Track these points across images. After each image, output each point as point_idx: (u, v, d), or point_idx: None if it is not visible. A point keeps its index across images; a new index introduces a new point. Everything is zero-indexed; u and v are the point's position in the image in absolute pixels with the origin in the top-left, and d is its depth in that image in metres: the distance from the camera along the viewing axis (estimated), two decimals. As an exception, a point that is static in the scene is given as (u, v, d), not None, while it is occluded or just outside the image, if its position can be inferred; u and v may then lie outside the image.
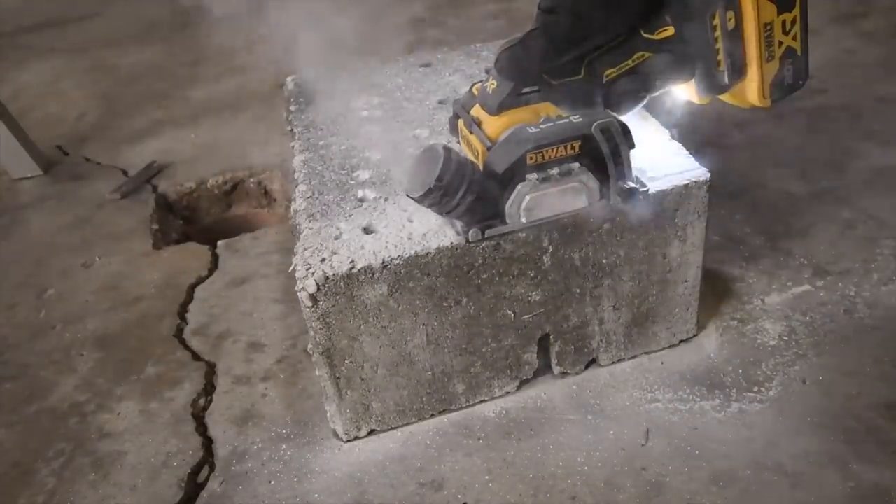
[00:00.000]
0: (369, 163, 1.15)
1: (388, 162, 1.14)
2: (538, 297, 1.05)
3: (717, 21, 0.94)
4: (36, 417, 1.23)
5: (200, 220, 1.88)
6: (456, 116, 1.04)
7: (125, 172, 1.95)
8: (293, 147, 1.24)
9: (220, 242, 1.60)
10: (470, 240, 0.94)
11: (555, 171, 0.90)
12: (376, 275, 0.95)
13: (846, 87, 1.89)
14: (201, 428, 1.16)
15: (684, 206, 1.05)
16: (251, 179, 1.87)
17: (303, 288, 0.93)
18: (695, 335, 1.21)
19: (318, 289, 0.93)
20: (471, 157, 0.99)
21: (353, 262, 0.94)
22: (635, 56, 0.96)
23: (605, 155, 0.92)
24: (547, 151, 0.89)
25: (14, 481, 1.12)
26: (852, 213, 1.45)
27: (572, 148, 0.90)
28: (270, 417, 1.16)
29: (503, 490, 1.01)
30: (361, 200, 1.07)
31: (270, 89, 2.24)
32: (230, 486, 1.06)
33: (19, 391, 1.29)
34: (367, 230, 1.00)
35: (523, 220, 0.93)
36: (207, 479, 1.08)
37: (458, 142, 1.06)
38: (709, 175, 1.04)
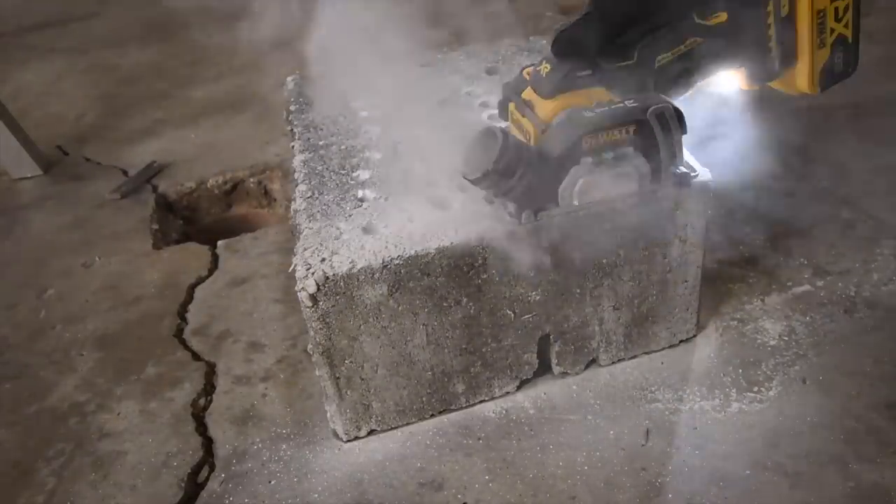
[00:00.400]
0: (369, 163, 1.15)
1: (388, 162, 1.14)
2: (538, 297, 1.05)
3: (770, 7, 0.94)
4: (36, 417, 1.23)
5: (200, 220, 1.88)
6: (506, 100, 1.04)
7: (125, 172, 1.95)
8: (293, 147, 1.24)
9: (220, 242, 1.60)
10: (523, 222, 0.95)
11: (609, 155, 0.91)
12: (376, 275, 0.95)
13: (846, 87, 1.88)
14: (201, 428, 1.16)
15: (684, 206, 1.05)
16: (251, 179, 1.87)
17: (303, 288, 0.93)
18: (695, 335, 1.21)
19: (318, 289, 0.93)
20: (522, 140, 0.99)
21: (353, 262, 0.94)
22: (688, 41, 0.96)
23: (658, 140, 0.92)
24: (602, 135, 0.90)
25: (14, 481, 1.12)
26: (852, 213, 1.45)
27: (627, 132, 0.91)
28: (270, 417, 1.16)
29: (503, 490, 1.01)
30: (361, 200, 1.07)
31: (270, 89, 2.23)
32: (230, 486, 1.06)
33: (19, 391, 1.29)
34: (367, 230, 1.00)
35: (576, 202, 0.93)
36: (207, 479, 1.08)
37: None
38: (709, 175, 1.04)
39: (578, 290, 1.07)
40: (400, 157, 1.14)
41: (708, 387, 1.12)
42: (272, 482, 1.06)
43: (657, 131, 0.92)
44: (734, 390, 1.11)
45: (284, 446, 1.11)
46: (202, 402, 1.21)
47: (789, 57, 0.98)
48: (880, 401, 1.07)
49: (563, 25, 0.93)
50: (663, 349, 1.19)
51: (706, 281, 1.18)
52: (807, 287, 1.29)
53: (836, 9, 0.95)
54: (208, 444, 1.13)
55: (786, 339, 1.19)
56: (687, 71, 0.98)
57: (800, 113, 1.78)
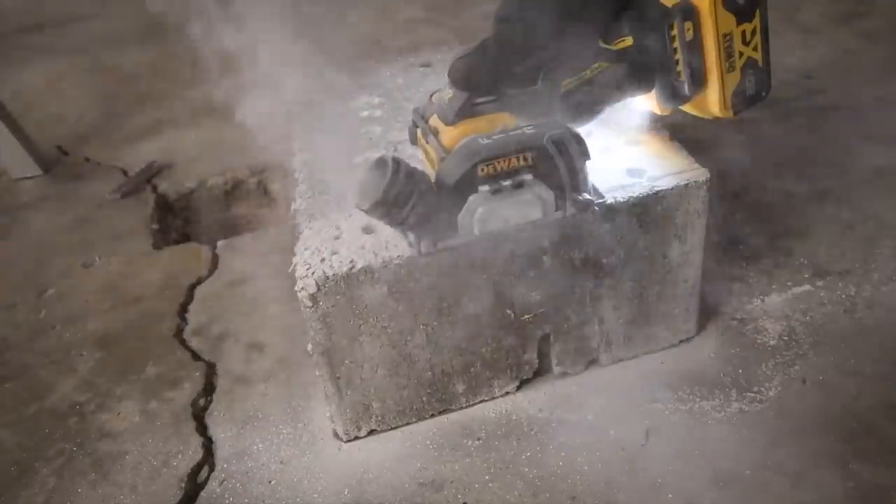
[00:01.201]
0: (369, 163, 1.15)
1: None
2: (538, 297, 1.05)
3: (675, 31, 0.93)
4: (36, 417, 1.23)
5: (200, 220, 1.88)
6: (415, 125, 1.02)
7: (125, 172, 1.95)
8: (293, 147, 1.24)
9: (220, 242, 1.60)
10: (422, 252, 0.93)
11: (507, 182, 0.88)
12: (376, 275, 0.95)
13: (846, 87, 1.89)
14: (201, 428, 1.16)
15: (684, 206, 1.05)
16: (251, 179, 1.87)
17: (303, 288, 0.93)
18: (695, 335, 1.21)
19: (318, 289, 0.93)
20: (428, 167, 0.97)
21: (353, 262, 0.94)
22: (594, 66, 0.94)
23: (558, 166, 0.90)
24: (498, 163, 0.87)
25: (14, 481, 1.12)
26: (852, 213, 1.45)
27: (524, 159, 0.88)
28: (270, 417, 1.16)
29: (503, 490, 1.01)
30: (361, 200, 1.07)
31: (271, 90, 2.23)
32: (230, 486, 1.06)
33: (19, 391, 1.29)
34: (367, 230, 1.00)
35: (476, 231, 0.90)
36: (207, 479, 1.08)
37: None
38: (709, 175, 1.04)
39: (578, 290, 1.07)
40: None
41: (708, 387, 1.12)
42: (272, 482, 1.06)
43: (556, 158, 0.89)
44: (734, 390, 1.11)
45: (284, 446, 1.11)
46: (202, 402, 1.21)
47: (698, 81, 0.96)
48: (880, 401, 1.07)
49: (461, 52, 0.91)
50: (663, 349, 1.19)
51: (706, 281, 1.18)
52: (807, 287, 1.29)
53: (744, 32, 0.94)
54: (208, 444, 1.13)
55: (786, 339, 1.19)
56: (594, 95, 0.96)
57: (799, 113, 1.79)
